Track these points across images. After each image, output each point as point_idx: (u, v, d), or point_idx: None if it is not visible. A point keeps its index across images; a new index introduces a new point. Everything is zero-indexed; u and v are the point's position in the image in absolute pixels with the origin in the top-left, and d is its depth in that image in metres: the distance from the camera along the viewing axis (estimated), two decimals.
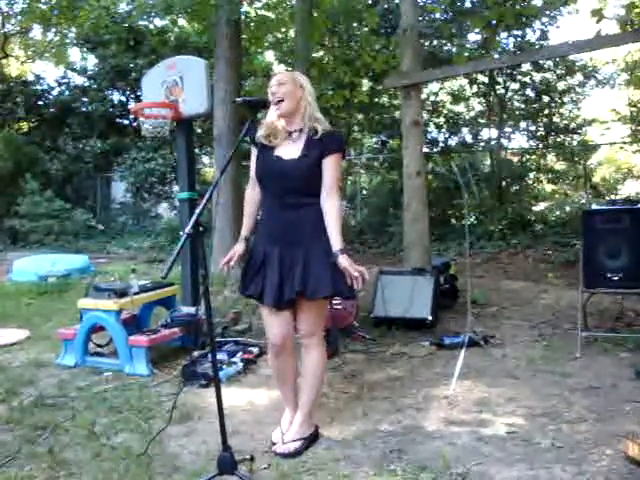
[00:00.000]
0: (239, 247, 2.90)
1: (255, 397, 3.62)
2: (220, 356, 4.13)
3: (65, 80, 16.02)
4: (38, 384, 3.89)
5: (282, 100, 2.77)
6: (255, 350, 4.39)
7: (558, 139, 12.72)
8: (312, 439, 2.91)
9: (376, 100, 13.50)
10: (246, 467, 2.63)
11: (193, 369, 3.91)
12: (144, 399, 3.57)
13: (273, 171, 2.82)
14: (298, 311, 2.84)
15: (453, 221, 12.03)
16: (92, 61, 16.02)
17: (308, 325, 2.85)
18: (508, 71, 11.92)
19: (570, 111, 12.74)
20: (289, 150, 2.81)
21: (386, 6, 11.66)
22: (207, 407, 3.39)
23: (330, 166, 2.77)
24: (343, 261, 2.66)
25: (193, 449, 2.89)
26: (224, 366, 4.01)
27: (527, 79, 12.38)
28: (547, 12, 11.26)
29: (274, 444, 2.87)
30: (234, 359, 4.18)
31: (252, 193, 2.98)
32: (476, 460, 2.69)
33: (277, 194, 2.82)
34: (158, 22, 14.22)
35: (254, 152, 2.95)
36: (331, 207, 2.74)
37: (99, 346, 4.53)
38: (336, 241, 2.70)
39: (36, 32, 16.25)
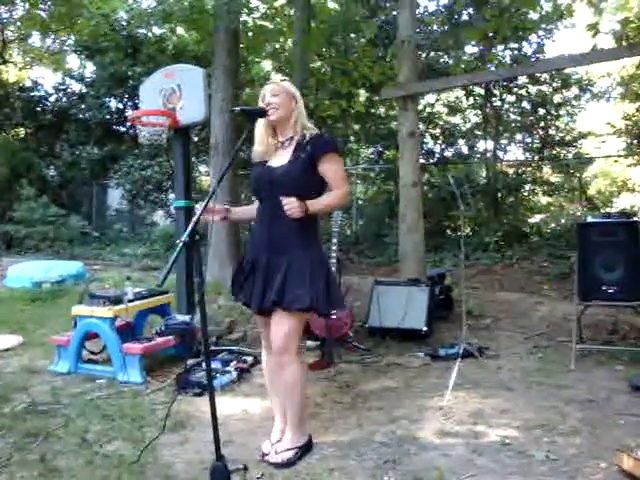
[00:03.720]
0: (220, 205, 2.92)
1: (249, 406, 3.60)
2: (214, 365, 4.12)
3: (63, 87, 16.03)
4: (31, 391, 3.87)
5: (276, 109, 2.80)
6: (249, 359, 4.39)
7: (554, 152, 12.77)
8: (305, 449, 2.90)
9: (373, 111, 13.54)
10: (239, 477, 2.62)
11: (187, 377, 3.90)
12: (137, 407, 3.55)
13: (263, 179, 2.84)
14: (272, 325, 2.78)
15: (448, 232, 12.04)
16: (90, 68, 16.07)
17: (281, 341, 2.74)
18: (504, 83, 11.98)
19: (566, 124, 12.79)
20: (279, 158, 2.84)
21: (384, 17, 11.73)
22: (201, 416, 3.37)
23: (328, 168, 2.78)
24: (297, 201, 2.64)
25: (186, 458, 2.88)
26: (218, 375, 4.00)
27: (523, 92, 12.44)
28: (544, 26, 11.34)
29: (265, 455, 2.86)
30: (228, 368, 4.17)
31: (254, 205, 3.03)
32: (470, 472, 2.68)
33: (269, 203, 2.83)
34: (156, 30, 14.31)
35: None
36: (334, 192, 2.78)
37: (93, 353, 4.52)
38: (312, 203, 2.70)
39: (35, 38, 16.37)
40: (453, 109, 13.86)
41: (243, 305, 2.98)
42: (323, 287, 2.74)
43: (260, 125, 2.89)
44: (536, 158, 12.88)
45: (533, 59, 11.50)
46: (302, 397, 2.87)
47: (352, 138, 14.77)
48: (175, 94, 5.04)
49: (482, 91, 12.53)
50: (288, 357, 2.77)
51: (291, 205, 2.63)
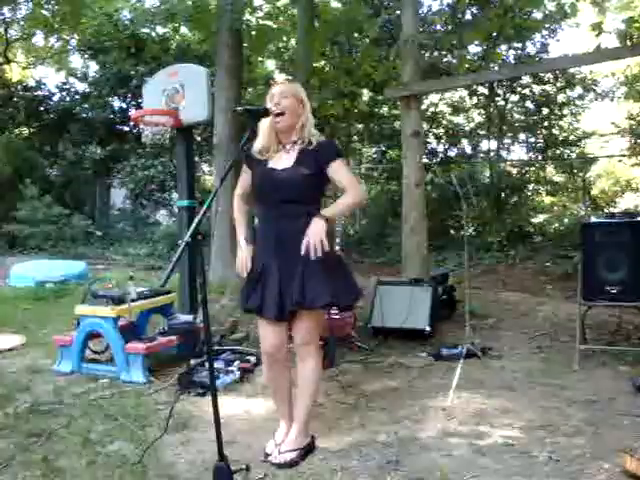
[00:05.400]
0: (248, 251, 2.87)
1: (252, 406, 3.60)
2: (217, 365, 4.12)
3: (66, 86, 16.07)
4: (33, 390, 3.87)
5: (283, 113, 2.77)
6: (252, 359, 4.37)
7: (557, 151, 12.76)
8: (308, 449, 2.89)
9: (376, 110, 13.55)
10: (242, 477, 2.61)
11: (190, 377, 3.89)
12: (140, 407, 3.55)
13: (268, 182, 2.83)
14: (295, 321, 2.82)
15: (452, 232, 12.04)
16: (93, 67, 16.09)
17: (305, 335, 2.83)
18: (508, 83, 11.98)
19: (569, 124, 12.79)
20: (282, 161, 2.83)
21: (387, 17, 11.72)
22: (203, 416, 3.36)
23: (339, 171, 2.80)
24: (314, 225, 2.64)
25: (189, 458, 2.87)
26: (221, 375, 3.99)
27: (527, 91, 12.44)
28: (547, 25, 11.33)
29: (268, 456, 2.85)
30: (231, 368, 4.16)
31: (240, 202, 3.03)
32: (473, 472, 2.67)
33: (273, 206, 2.82)
34: (160, 30, 14.33)
35: (244, 168, 2.99)
36: (348, 193, 2.78)
37: (96, 353, 4.52)
38: (328, 209, 2.79)
39: (38, 38, 16.38)
40: (457, 109, 13.87)
41: (254, 313, 2.92)
42: (342, 281, 2.80)
43: (266, 122, 2.85)
44: (539, 158, 12.87)
45: (537, 59, 11.48)
46: (316, 392, 2.93)
47: (355, 138, 14.79)
48: (178, 93, 5.03)
49: (486, 91, 12.53)
50: (310, 349, 2.85)
51: (314, 240, 2.62)
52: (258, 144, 2.88)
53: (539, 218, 12.38)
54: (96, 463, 2.80)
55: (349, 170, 2.90)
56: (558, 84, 12.23)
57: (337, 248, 4.71)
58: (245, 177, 3.00)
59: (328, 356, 4.52)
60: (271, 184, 2.80)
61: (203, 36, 11.65)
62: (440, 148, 13.79)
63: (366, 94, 13.23)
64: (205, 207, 2.46)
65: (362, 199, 2.88)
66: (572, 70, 11.59)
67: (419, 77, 6.19)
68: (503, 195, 12.24)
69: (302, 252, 2.64)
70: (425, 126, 12.38)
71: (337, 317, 4.67)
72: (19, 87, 15.93)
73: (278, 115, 2.76)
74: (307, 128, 2.82)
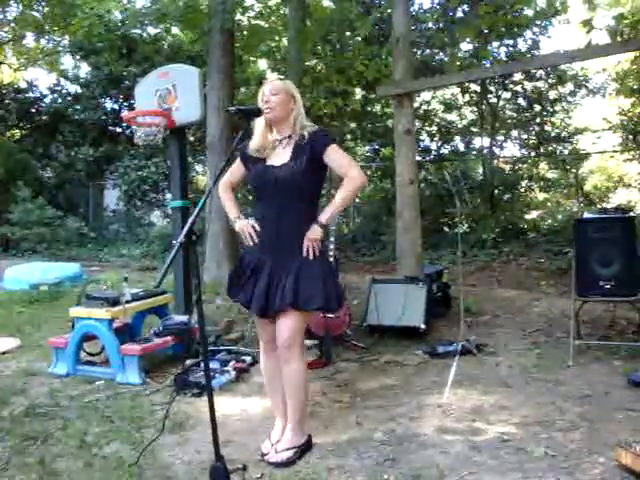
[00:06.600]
0: (244, 222, 2.90)
1: (248, 406, 3.60)
2: (213, 365, 4.12)
3: (58, 87, 15.98)
4: (29, 393, 3.86)
5: (273, 108, 2.81)
6: (248, 359, 4.38)
7: (550, 148, 12.78)
8: (305, 448, 2.90)
9: (369, 109, 13.54)
10: (239, 477, 2.62)
11: (185, 378, 3.89)
12: (136, 408, 3.55)
13: (267, 179, 2.84)
14: (281, 318, 2.79)
15: (446, 229, 12.05)
16: (85, 69, 16.01)
17: (289, 336, 2.77)
18: (500, 80, 11.99)
19: (561, 120, 12.81)
20: (279, 157, 2.85)
21: (378, 15, 11.72)
22: (200, 416, 3.37)
23: (335, 155, 2.82)
24: (311, 231, 2.75)
25: (186, 459, 2.87)
26: (217, 375, 4.00)
27: (519, 88, 12.45)
28: (538, 22, 11.35)
29: (264, 455, 2.86)
30: (227, 368, 4.16)
31: (227, 187, 3.09)
32: (470, 469, 2.68)
33: (272, 202, 2.83)
34: (151, 30, 14.29)
35: (238, 162, 3.03)
36: (345, 183, 2.82)
37: (91, 355, 4.51)
38: (324, 212, 2.81)
39: (29, 39, 16.32)
40: (449, 106, 13.87)
41: (242, 306, 2.99)
42: (332, 286, 2.81)
43: (260, 120, 2.88)
44: (532, 154, 12.89)
45: (528, 56, 11.51)
46: (305, 394, 2.90)
47: (348, 136, 14.76)
48: (170, 94, 5.03)
49: (478, 88, 12.54)
50: (294, 352, 2.80)
51: (309, 245, 2.75)
52: (254, 143, 2.90)
53: (532, 214, 12.41)
54: (93, 465, 2.80)
55: (342, 152, 2.87)
56: (550, 81, 12.25)
57: (332, 247, 4.72)
58: (236, 169, 3.05)
59: (324, 355, 4.53)
60: (269, 181, 2.82)
61: (195, 36, 11.61)
62: (433, 145, 13.79)
63: (358, 92, 13.23)
64: (199, 207, 2.46)
65: (361, 182, 2.83)
66: (563, 67, 11.61)
67: (411, 75, 6.20)
68: (496, 192, 12.25)
69: (304, 254, 2.73)
70: (418, 124, 12.38)
71: (332, 316, 4.68)
72: (10, 89, 15.85)
73: (269, 112, 2.82)
74: (299, 122, 2.86)
